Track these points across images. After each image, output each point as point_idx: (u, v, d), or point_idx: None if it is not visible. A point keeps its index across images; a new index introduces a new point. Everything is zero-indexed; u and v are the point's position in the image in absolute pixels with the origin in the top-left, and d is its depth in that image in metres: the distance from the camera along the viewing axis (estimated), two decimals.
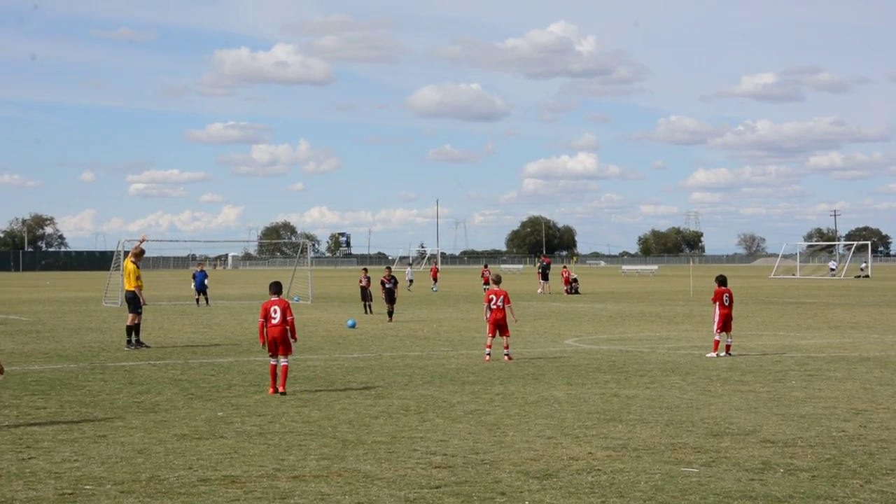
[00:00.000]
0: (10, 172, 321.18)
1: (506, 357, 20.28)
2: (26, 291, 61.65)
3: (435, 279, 64.67)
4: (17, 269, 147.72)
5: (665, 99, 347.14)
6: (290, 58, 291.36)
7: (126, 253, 26.93)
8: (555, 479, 9.66)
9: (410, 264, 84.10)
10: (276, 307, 15.55)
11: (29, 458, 10.60)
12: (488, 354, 20.46)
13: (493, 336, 20.63)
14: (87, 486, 9.36)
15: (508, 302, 20.70)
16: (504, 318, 20.54)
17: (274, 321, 15.47)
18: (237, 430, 12.34)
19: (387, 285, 33.31)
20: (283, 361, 15.47)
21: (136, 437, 11.87)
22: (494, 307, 20.52)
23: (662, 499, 8.93)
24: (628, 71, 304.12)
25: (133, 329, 23.26)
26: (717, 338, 21.22)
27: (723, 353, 20.91)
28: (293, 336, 15.65)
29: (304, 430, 12.29)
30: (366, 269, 41.11)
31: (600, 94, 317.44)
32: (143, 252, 24.86)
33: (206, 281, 44.77)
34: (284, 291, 16.62)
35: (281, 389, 15.38)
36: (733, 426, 12.56)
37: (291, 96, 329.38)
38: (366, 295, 37.58)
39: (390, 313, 32.53)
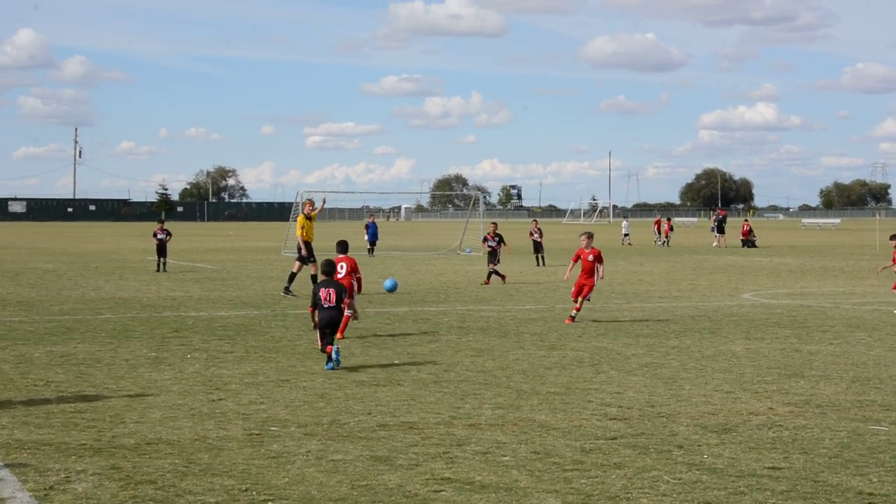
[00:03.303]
0: (196, 126, 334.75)
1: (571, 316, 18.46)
2: (211, 241, 64.23)
3: (659, 232, 60.91)
4: (202, 220, 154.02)
5: (852, 45, 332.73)
6: (463, 10, 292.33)
7: (303, 205, 27.45)
8: (734, 434, 9.47)
9: (626, 217, 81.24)
10: (344, 263, 16.42)
11: (219, 400, 11.08)
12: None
13: (577, 295, 18.62)
14: (273, 428, 9.72)
15: (601, 261, 18.92)
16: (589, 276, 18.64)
17: (340, 275, 15.90)
18: (413, 377, 12.57)
19: (489, 243, 28.98)
20: (345, 312, 15.12)
21: (317, 382, 12.24)
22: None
23: (849, 456, 8.63)
24: (813, 17, 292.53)
25: (292, 276, 24.00)
26: None
27: None
28: (359, 289, 16.76)
29: (478, 380, 12.41)
30: (536, 221, 41.03)
31: (782, 41, 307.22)
32: (312, 204, 25.44)
33: (377, 232, 45.52)
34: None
35: (339, 336, 15.00)
36: None
37: (464, 48, 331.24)
38: (537, 247, 37.54)
39: (489, 275, 28.00)
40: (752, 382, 12.23)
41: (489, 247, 28.95)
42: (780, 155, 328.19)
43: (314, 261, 24.14)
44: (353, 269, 16.63)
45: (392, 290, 16.77)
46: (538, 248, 37.50)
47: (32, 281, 28.45)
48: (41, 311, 20.22)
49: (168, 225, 36.46)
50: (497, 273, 28.27)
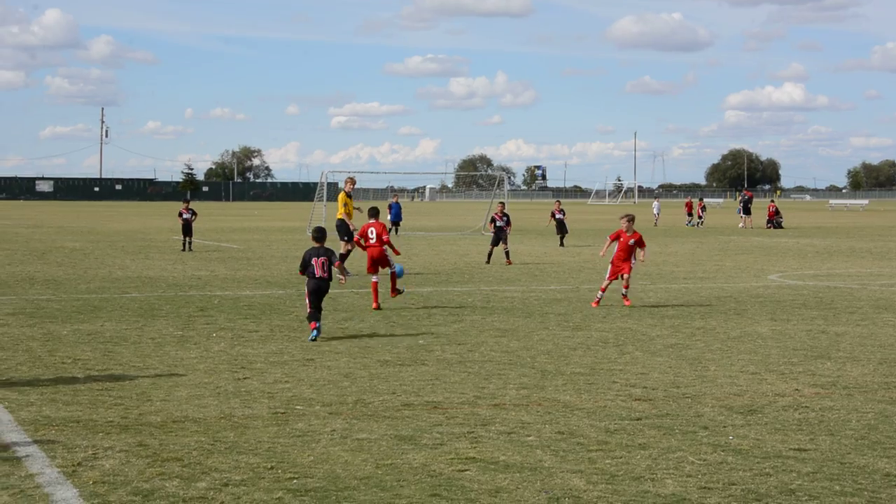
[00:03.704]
0: (221, 106, 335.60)
1: (624, 299, 18.13)
2: (237, 220, 64.43)
3: (691, 214, 60.53)
4: (227, 199, 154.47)
5: (881, 24, 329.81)
6: None
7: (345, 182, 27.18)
8: (760, 415, 9.43)
9: (657, 197, 79.95)
10: (373, 229, 17.57)
11: (244, 378, 11.14)
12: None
13: (614, 278, 18.15)
14: (299, 406, 9.76)
15: (643, 245, 18.19)
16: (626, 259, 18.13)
17: (371, 241, 17.44)
18: (438, 357, 12.58)
19: (497, 223, 28.56)
20: (394, 268, 17.46)
21: (341, 361, 12.28)
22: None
23: (876, 438, 8.58)
24: None
25: (342, 256, 24.03)
26: None
27: None
28: (395, 251, 18.22)
29: (503, 360, 12.41)
30: (559, 202, 40.95)
31: (810, 20, 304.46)
32: (353, 182, 25.49)
33: (400, 212, 45.53)
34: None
35: (391, 295, 17.57)
36: None
37: (490, 28, 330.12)
38: (561, 227, 37.47)
39: (507, 254, 28.00)
40: (778, 364, 12.17)
41: (496, 227, 28.55)
42: (808, 135, 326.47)
43: (347, 239, 24.21)
44: (381, 234, 17.66)
45: (399, 274, 17.03)
46: (562, 228, 37.44)
47: (59, 259, 28.66)
48: (68, 290, 20.37)
49: (193, 205, 36.56)
50: (489, 255, 28.15)
